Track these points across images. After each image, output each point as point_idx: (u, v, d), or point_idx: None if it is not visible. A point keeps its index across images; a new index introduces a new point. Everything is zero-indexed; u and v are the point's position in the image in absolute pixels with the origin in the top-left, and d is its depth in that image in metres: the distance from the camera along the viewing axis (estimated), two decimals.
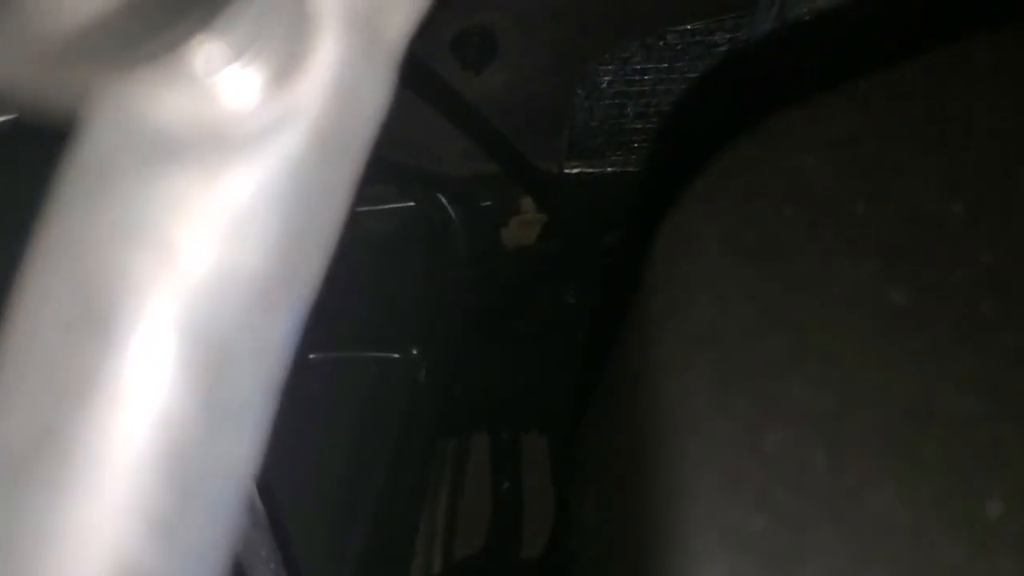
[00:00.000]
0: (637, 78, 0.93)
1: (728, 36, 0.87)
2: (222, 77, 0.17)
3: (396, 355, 1.02)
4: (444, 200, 1.05)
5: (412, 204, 1.06)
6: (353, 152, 0.19)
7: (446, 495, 1.40)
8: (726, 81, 0.76)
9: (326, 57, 0.18)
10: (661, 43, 0.90)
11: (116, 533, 0.15)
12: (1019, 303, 0.24)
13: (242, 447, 0.18)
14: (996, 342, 0.23)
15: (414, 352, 1.03)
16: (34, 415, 0.16)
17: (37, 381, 0.16)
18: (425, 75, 0.86)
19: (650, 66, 0.91)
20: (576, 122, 0.97)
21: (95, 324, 0.16)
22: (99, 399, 0.16)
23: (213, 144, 0.17)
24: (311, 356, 1.00)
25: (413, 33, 0.19)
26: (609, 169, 1.03)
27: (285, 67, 0.17)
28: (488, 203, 1.08)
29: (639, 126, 0.97)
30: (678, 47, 0.90)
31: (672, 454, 0.23)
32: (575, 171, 1.05)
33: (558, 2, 0.83)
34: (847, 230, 0.26)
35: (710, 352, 0.25)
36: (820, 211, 0.26)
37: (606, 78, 0.92)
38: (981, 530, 0.21)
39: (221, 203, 0.17)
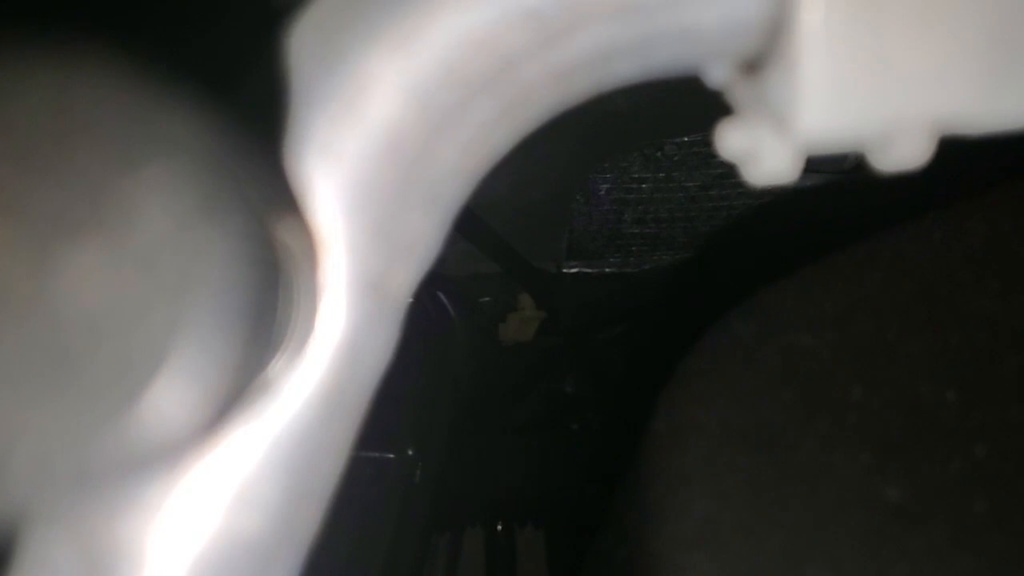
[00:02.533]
0: (635, 186, 0.94)
1: None
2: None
3: (391, 455, 1.02)
4: (443, 297, 1.06)
5: (411, 300, 1.06)
6: (354, 408, 0.20)
7: None
8: (720, 251, 0.77)
9: (335, 324, 0.18)
10: (659, 153, 0.91)
11: None
12: (1012, 501, 0.24)
13: None
14: (990, 544, 0.24)
15: (410, 452, 1.03)
16: None
17: None
18: None
19: (648, 175, 0.93)
20: (575, 225, 0.98)
21: None
22: None
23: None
24: None
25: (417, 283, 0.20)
26: (607, 269, 1.04)
27: (299, 343, 0.18)
28: (487, 299, 1.09)
29: (636, 231, 0.98)
30: (676, 157, 0.91)
31: None
32: (573, 270, 1.05)
33: (558, 116, 0.85)
34: (843, 417, 0.26)
35: (708, 552, 0.25)
36: (816, 396, 0.27)
37: (605, 185, 0.94)
38: None
39: (224, 473, 0.18)
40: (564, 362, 1.20)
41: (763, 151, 0.22)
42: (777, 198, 0.68)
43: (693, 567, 0.25)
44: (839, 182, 0.68)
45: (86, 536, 0.17)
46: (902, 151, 0.21)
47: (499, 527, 1.29)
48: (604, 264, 1.04)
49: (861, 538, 0.24)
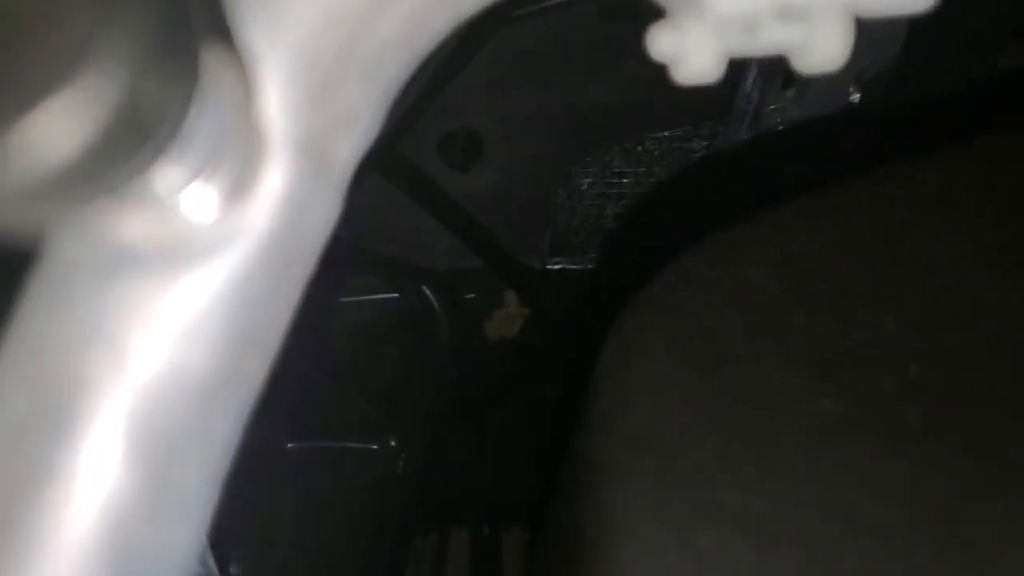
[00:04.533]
0: (616, 180, 0.96)
1: (704, 143, 0.91)
2: (178, 198, 0.18)
3: (375, 446, 1.02)
4: (429, 292, 1.07)
5: (397, 295, 1.07)
6: (298, 266, 0.21)
7: None
8: (677, 194, 0.79)
9: (275, 180, 0.20)
10: (639, 148, 0.93)
11: None
12: (941, 415, 0.25)
13: (186, 535, 0.19)
14: (919, 453, 0.25)
15: (392, 443, 1.03)
16: None
17: None
18: (413, 174, 0.89)
19: (629, 170, 0.94)
20: (558, 221, 0.99)
21: (50, 421, 0.18)
22: (51, 491, 0.17)
23: (168, 257, 0.19)
24: (289, 445, 1.01)
25: (362, 155, 0.21)
26: (590, 265, 1.05)
27: (237, 188, 0.19)
28: (472, 296, 1.10)
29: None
30: (656, 152, 0.93)
31: (610, 554, 0.24)
32: (557, 266, 1.07)
33: (540, 110, 0.87)
34: (784, 340, 0.27)
35: (648, 456, 0.26)
36: (759, 321, 0.28)
37: (587, 180, 0.95)
38: None
39: (173, 310, 0.19)
40: (547, 360, 1.21)
41: (688, 49, 0.23)
42: (734, 155, 0.71)
43: (633, 469, 0.26)
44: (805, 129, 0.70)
45: (42, 361, 0.18)
46: (821, 48, 0.22)
47: (485, 529, 1.29)
48: (587, 260, 1.05)
49: (795, 444, 0.25)
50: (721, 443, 0.25)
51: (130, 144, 0.14)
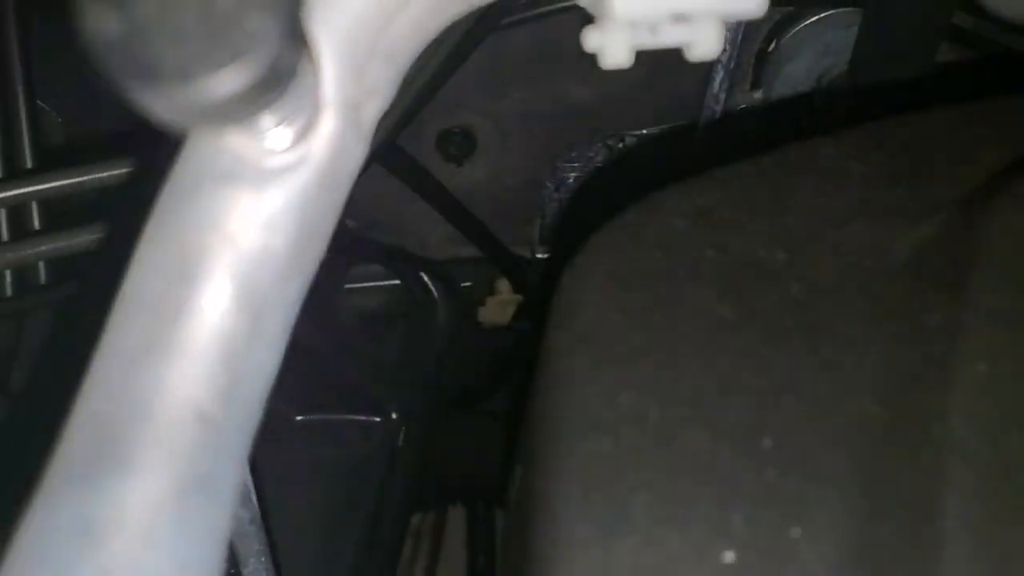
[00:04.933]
0: (600, 175, 1.04)
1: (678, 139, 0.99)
2: (271, 133, 0.27)
3: (378, 419, 1.09)
4: (427, 279, 1.14)
5: (398, 282, 1.14)
6: (339, 189, 0.30)
7: (422, 570, 1.44)
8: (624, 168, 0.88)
9: (327, 128, 0.29)
10: (620, 145, 1.01)
11: (190, 393, 0.25)
12: (811, 320, 0.34)
13: (272, 363, 0.28)
14: (788, 346, 0.33)
15: (394, 416, 1.10)
16: (145, 326, 0.26)
17: (147, 308, 0.26)
18: (412, 167, 0.97)
19: (612, 164, 1.03)
20: (547, 212, 1.07)
21: (183, 279, 0.27)
22: (185, 320, 0.26)
23: (262, 171, 0.28)
24: (299, 418, 1.08)
25: (383, 115, 0.30)
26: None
27: (303, 131, 0.28)
28: (468, 283, 1.17)
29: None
30: (635, 148, 1.01)
31: (561, 428, 0.32)
32: (547, 255, 1.14)
33: (530, 108, 0.95)
34: (697, 268, 0.36)
35: (589, 345, 0.34)
36: (677, 256, 0.37)
37: (572, 174, 1.03)
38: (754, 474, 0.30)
39: (262, 208, 0.28)
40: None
41: (607, 44, 0.32)
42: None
43: (575, 354, 0.34)
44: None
45: (175, 237, 0.27)
46: (702, 44, 0.31)
47: (481, 508, 1.35)
48: None
49: (700, 338, 0.34)
50: (645, 337, 0.34)
51: (263, 95, 0.23)
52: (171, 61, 0.22)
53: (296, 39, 0.24)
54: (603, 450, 0.32)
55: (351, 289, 1.13)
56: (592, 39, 0.33)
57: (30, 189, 0.62)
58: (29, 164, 0.75)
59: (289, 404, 1.05)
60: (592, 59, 1.04)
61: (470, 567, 1.36)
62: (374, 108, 0.30)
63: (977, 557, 0.28)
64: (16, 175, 0.73)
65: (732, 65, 0.85)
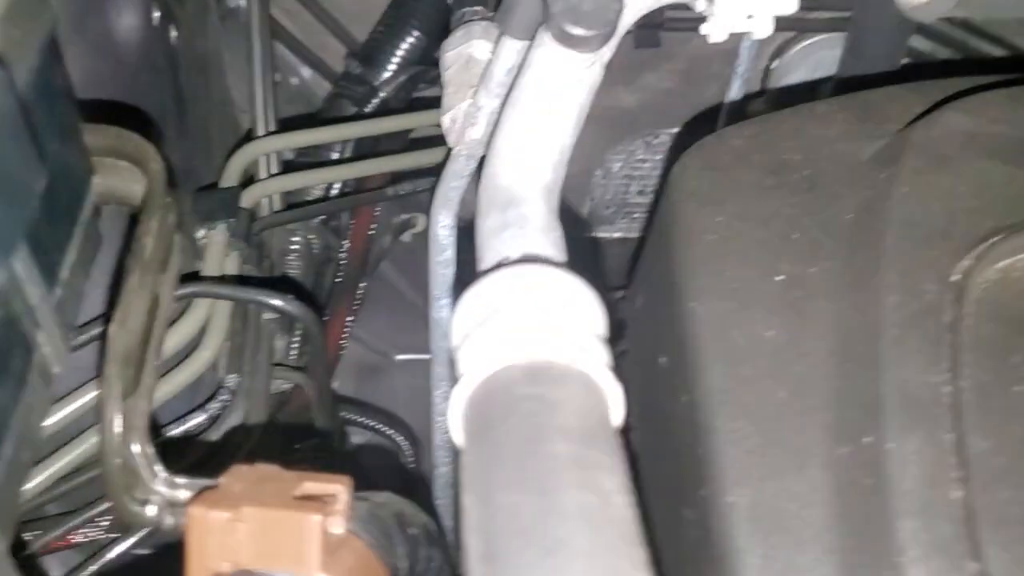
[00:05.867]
0: (639, 165, 1.28)
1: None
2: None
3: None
4: None
5: None
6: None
7: None
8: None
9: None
10: (656, 140, 1.26)
11: None
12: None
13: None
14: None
15: None
16: None
17: None
18: None
19: (648, 157, 1.27)
20: (594, 196, 1.31)
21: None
22: None
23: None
24: (397, 357, 1.32)
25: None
26: (616, 234, 1.36)
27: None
28: None
29: (640, 200, 1.31)
30: (669, 143, 1.26)
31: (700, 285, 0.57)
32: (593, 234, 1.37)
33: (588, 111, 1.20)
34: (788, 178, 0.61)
35: (712, 234, 0.58)
36: (772, 168, 0.62)
37: (617, 164, 1.27)
38: None
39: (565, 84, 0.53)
40: None
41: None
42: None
43: (704, 234, 0.59)
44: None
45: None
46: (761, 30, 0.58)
47: None
48: (615, 229, 1.36)
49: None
50: (768, 232, 0.58)
51: None
52: None
53: None
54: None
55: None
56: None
57: None
58: None
59: (390, 345, 1.29)
60: (636, 72, 1.27)
61: None
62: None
63: None
64: None
65: (746, 76, 1.10)
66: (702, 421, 0.56)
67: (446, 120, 0.74)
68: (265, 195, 0.89)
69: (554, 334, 0.46)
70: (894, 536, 0.47)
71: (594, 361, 0.45)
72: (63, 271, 0.47)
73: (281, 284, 0.88)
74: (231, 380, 0.79)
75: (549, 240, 0.55)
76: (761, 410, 0.55)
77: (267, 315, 0.86)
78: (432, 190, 1.15)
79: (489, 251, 0.55)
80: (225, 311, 0.78)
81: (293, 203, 0.97)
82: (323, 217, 1.01)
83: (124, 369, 0.45)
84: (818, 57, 1.15)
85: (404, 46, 1.03)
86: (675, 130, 1.24)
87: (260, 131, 0.92)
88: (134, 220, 0.53)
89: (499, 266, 0.52)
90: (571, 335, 0.47)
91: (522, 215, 0.56)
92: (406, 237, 1.29)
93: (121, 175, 0.53)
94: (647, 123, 1.23)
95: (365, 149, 1.03)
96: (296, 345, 0.93)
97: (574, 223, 1.25)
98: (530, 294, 0.49)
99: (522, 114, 0.59)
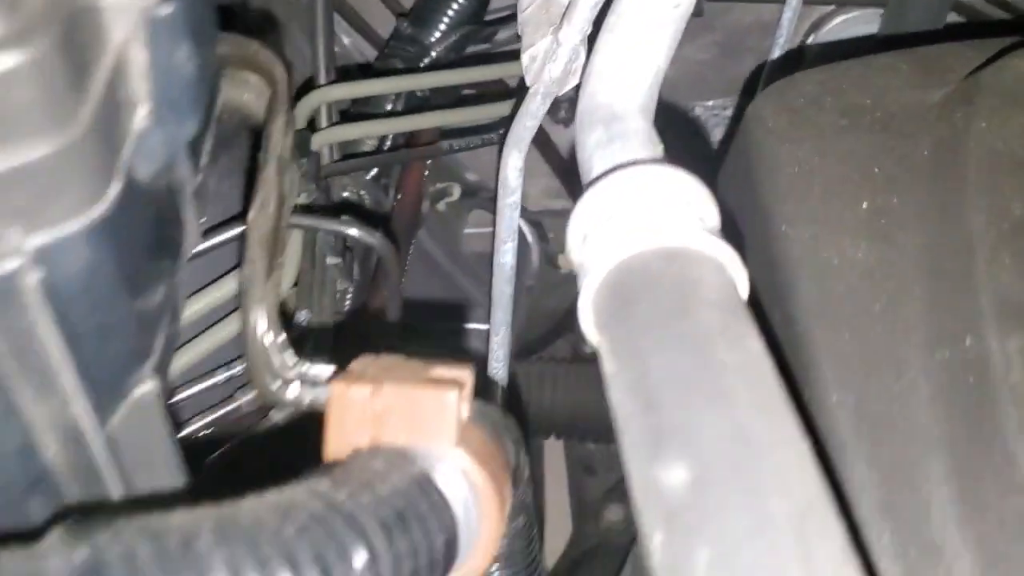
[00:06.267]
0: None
1: (737, 110, 1.27)
2: None
3: (485, 327, 1.33)
4: (523, 226, 1.39)
5: None
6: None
7: None
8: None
9: None
10: (688, 115, 1.29)
11: None
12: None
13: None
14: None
15: None
16: None
17: None
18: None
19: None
20: None
21: None
22: None
23: None
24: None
25: None
26: None
27: None
28: (552, 234, 1.43)
29: None
30: (702, 117, 1.29)
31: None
32: None
33: None
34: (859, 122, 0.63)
35: (795, 167, 0.61)
36: (845, 113, 0.64)
37: None
38: None
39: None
40: None
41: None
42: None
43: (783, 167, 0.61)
44: None
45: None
46: None
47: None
48: None
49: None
50: (849, 168, 0.60)
51: None
52: None
53: None
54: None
55: (468, 234, 1.39)
56: None
57: None
58: None
59: (424, 315, 1.31)
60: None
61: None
62: None
63: None
64: None
65: (786, 47, 1.13)
66: (799, 334, 0.58)
67: (525, 58, 0.75)
68: (330, 142, 0.91)
69: (681, 222, 0.48)
70: (1003, 426, 0.49)
71: (722, 245, 0.47)
72: (203, 160, 0.48)
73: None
74: (302, 315, 0.80)
75: (656, 151, 0.57)
76: (857, 321, 0.57)
77: (330, 260, 0.87)
78: (488, 144, 1.17)
79: (598, 161, 0.57)
80: (297, 247, 0.79)
81: (348, 154, 0.98)
82: (374, 173, 1.03)
83: (264, 253, 0.46)
84: (854, 32, 1.18)
85: (455, 5, 1.05)
86: (710, 103, 1.26)
87: (321, 80, 0.94)
88: (256, 137, 0.55)
89: (613, 171, 0.54)
90: (696, 224, 0.49)
91: (626, 129, 0.58)
92: (441, 206, 1.31)
93: (241, 86, 0.54)
94: (683, 95, 1.25)
95: (415, 106, 1.04)
96: (350, 295, 0.94)
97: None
98: (651, 190, 0.51)
99: (621, 38, 0.61)
